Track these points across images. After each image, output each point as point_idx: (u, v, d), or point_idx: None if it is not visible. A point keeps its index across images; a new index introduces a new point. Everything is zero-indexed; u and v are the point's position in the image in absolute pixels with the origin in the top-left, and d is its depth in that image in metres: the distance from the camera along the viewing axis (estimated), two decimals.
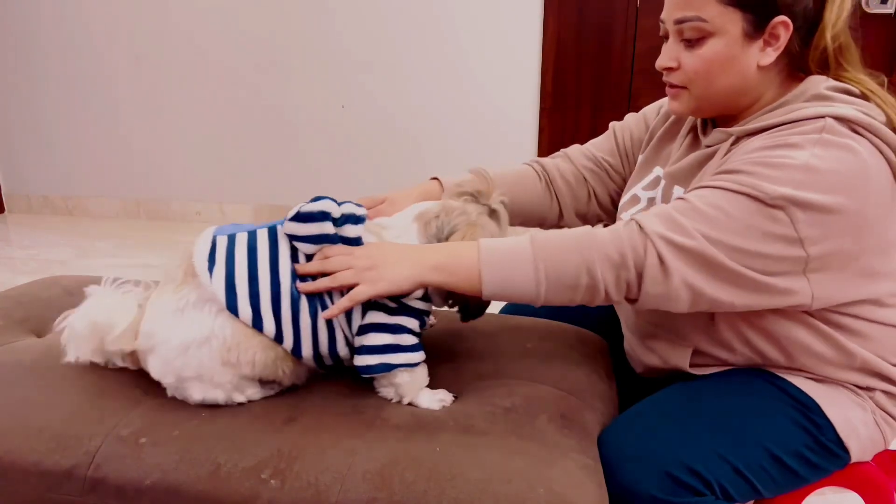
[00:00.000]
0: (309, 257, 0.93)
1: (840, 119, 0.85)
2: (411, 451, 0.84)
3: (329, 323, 0.93)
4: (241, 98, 3.37)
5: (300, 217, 0.92)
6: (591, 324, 1.23)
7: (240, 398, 0.93)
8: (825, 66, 0.92)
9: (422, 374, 0.97)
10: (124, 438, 0.87)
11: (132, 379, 0.97)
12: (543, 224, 1.23)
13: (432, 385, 0.98)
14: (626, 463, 0.89)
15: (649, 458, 0.88)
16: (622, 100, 3.11)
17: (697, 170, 0.98)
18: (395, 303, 0.93)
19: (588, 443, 0.90)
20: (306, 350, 0.93)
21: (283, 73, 3.30)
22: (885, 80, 0.94)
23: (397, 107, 3.27)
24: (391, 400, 0.96)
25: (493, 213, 1.01)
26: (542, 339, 1.14)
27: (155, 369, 0.92)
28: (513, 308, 1.35)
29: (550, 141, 3.19)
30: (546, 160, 1.24)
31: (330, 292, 0.91)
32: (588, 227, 0.90)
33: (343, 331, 0.94)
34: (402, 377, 0.95)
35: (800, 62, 0.93)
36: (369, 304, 0.93)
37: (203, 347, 0.89)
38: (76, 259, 3.06)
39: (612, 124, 1.24)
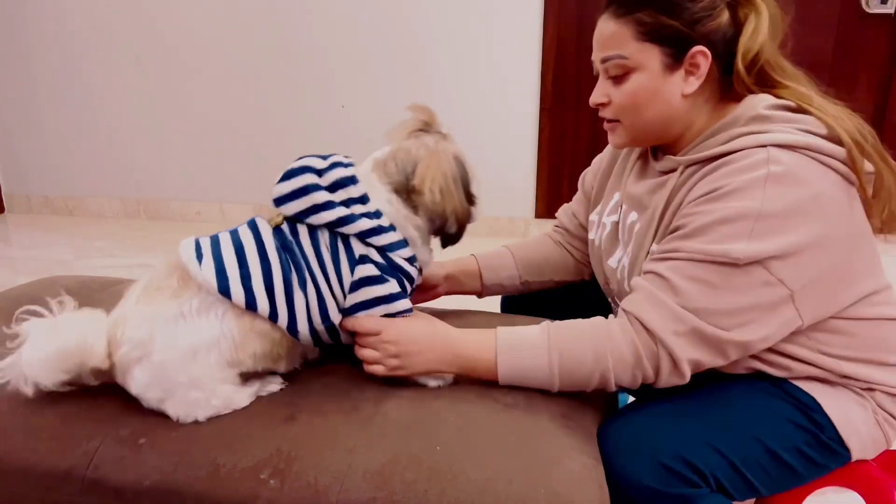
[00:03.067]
0: (293, 227, 0.94)
1: (781, 146, 0.85)
2: (411, 450, 0.84)
3: (318, 291, 0.93)
4: (240, 98, 3.37)
5: (285, 176, 0.96)
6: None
7: (223, 410, 0.91)
8: (761, 86, 0.93)
9: None
10: (123, 439, 0.87)
11: None
12: (571, 278, 1.31)
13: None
14: (623, 454, 0.89)
15: (646, 449, 0.89)
16: None
17: (649, 197, 1.01)
18: (385, 259, 0.95)
19: (589, 442, 0.90)
20: (302, 324, 0.94)
21: (283, 73, 3.30)
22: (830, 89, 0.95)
23: (397, 107, 3.25)
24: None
25: (446, 138, 1.03)
26: None
27: (139, 381, 0.88)
28: (515, 307, 1.35)
29: (550, 141, 3.19)
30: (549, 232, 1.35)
31: (324, 269, 0.93)
32: (602, 322, 0.93)
33: (333, 294, 0.94)
34: None
35: (728, 86, 0.95)
36: (359, 260, 0.94)
37: (212, 351, 0.89)
38: (76, 259, 3.06)
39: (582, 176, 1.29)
